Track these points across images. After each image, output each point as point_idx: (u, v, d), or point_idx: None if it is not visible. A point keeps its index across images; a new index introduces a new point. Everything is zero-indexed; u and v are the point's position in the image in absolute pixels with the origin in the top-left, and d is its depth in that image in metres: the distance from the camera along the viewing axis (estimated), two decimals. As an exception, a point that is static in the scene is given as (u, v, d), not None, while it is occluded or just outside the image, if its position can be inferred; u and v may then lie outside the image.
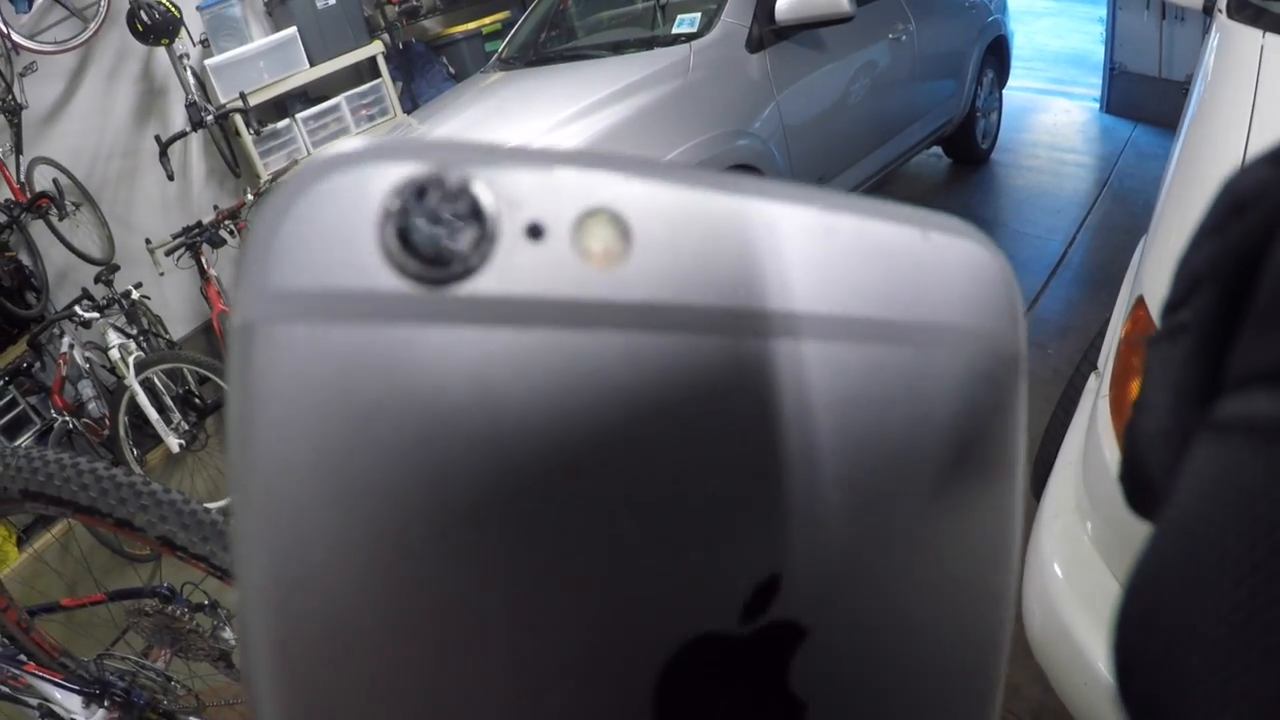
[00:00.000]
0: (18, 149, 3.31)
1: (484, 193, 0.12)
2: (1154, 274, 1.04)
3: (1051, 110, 4.79)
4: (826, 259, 0.15)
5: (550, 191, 0.13)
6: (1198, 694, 0.15)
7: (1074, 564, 1.03)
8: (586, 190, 0.13)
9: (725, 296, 0.14)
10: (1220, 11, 1.57)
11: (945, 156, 3.97)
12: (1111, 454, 0.97)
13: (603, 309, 0.13)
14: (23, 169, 3.30)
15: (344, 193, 0.12)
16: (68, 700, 1.33)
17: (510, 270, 0.12)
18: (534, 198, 0.13)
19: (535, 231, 0.13)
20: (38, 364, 2.99)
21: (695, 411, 0.13)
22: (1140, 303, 1.01)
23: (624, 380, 0.13)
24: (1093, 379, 1.22)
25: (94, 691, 1.38)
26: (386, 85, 3.96)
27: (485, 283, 0.12)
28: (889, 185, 3.74)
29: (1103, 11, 4.65)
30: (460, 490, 0.12)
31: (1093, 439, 1.04)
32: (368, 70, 3.99)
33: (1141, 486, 0.20)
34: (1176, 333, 0.18)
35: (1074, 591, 1.00)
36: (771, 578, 0.15)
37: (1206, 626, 0.15)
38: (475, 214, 0.12)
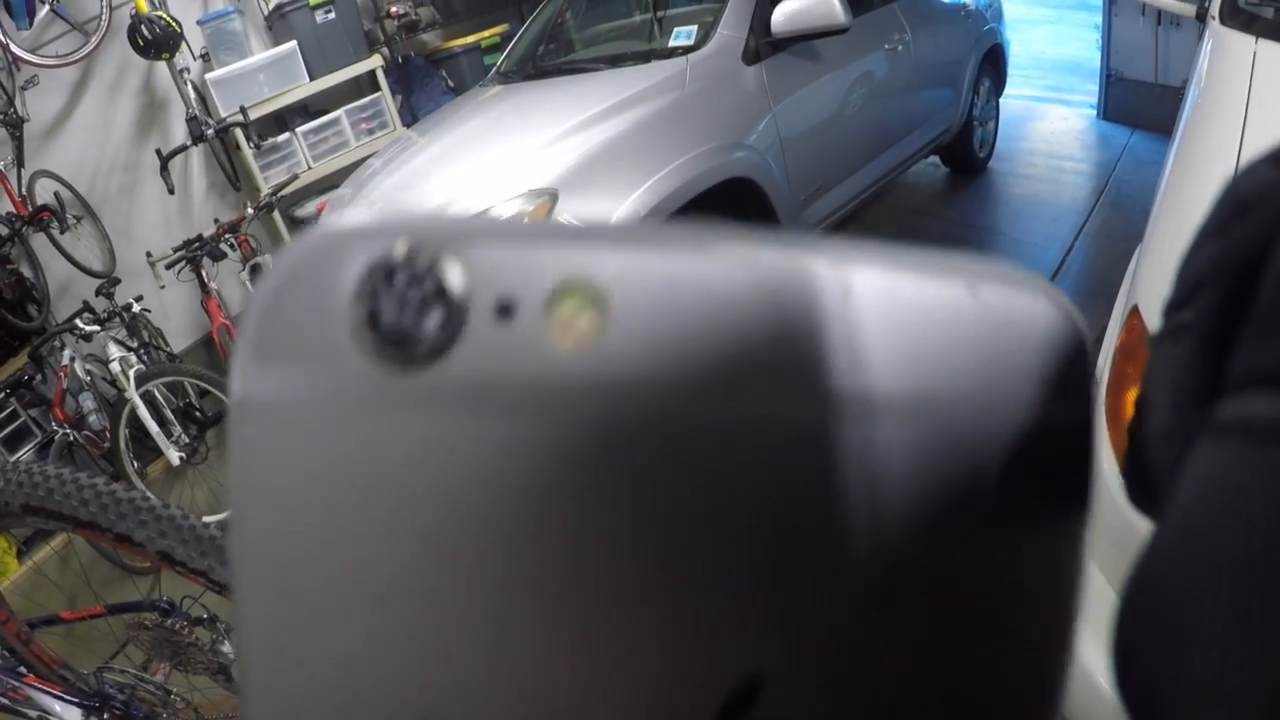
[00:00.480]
0: (19, 162, 3.33)
1: (452, 272, 0.12)
2: (1148, 283, 1.04)
3: (1048, 118, 4.80)
4: (844, 326, 0.13)
5: (522, 267, 0.12)
6: (1195, 691, 0.15)
7: None
8: (560, 264, 0.13)
9: (722, 372, 0.13)
10: (1213, 18, 1.57)
11: (943, 165, 3.98)
12: (1107, 464, 0.97)
13: (574, 391, 0.12)
14: (24, 182, 3.32)
15: (320, 274, 0.12)
16: (67, 713, 1.34)
17: (478, 352, 0.12)
18: (504, 274, 0.12)
19: (505, 310, 0.12)
20: (39, 377, 3.00)
21: (684, 494, 0.13)
22: (1135, 312, 1.01)
23: (596, 464, 0.12)
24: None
25: (93, 704, 1.38)
26: (386, 99, 3.98)
27: (453, 365, 0.12)
28: (887, 195, 3.76)
29: (1098, 19, 4.67)
30: (428, 569, 0.12)
31: None
32: (367, 84, 4.01)
33: (1143, 484, 0.20)
34: (1179, 332, 0.19)
35: None
36: (755, 677, 0.13)
37: (1204, 625, 0.15)
38: (441, 295, 0.12)
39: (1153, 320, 0.94)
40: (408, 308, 0.12)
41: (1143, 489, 0.20)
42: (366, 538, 0.12)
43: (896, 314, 0.14)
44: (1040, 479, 0.15)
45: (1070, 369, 0.16)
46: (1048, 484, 0.15)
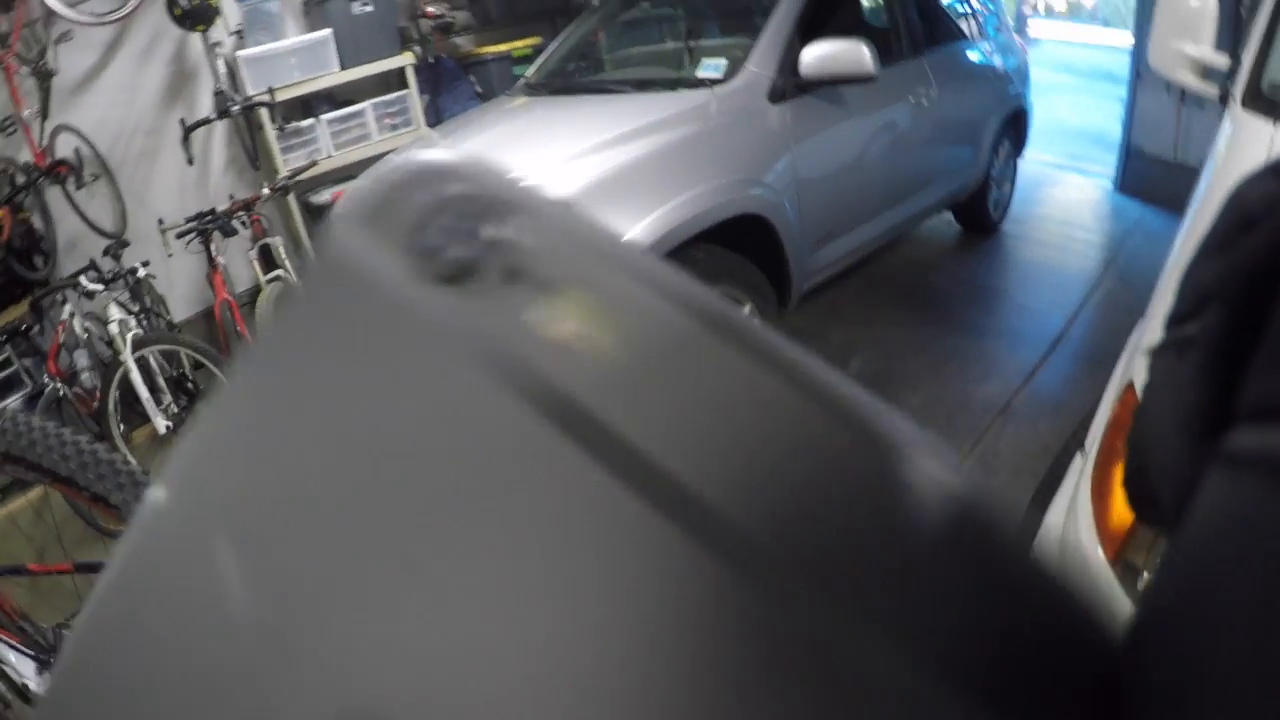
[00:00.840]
0: (44, 114, 3.34)
1: (486, 229, 0.14)
2: (1145, 361, 1.04)
3: (1065, 185, 4.84)
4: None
5: (551, 248, 0.14)
6: None
7: None
8: (572, 264, 0.14)
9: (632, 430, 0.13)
10: (1234, 100, 1.58)
11: (956, 222, 4.00)
12: (1089, 536, 0.97)
13: (510, 366, 0.13)
14: (46, 134, 3.33)
15: (411, 187, 0.15)
16: (21, 664, 1.34)
17: (469, 300, 0.14)
18: (532, 246, 0.14)
19: (512, 275, 0.14)
20: (37, 327, 3.00)
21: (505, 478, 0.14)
22: (1130, 388, 1.01)
23: (488, 435, 0.13)
24: (1078, 458, 1.21)
25: (48, 659, 1.38)
26: (413, 97, 4.00)
27: (442, 300, 0.14)
28: (897, 246, 3.78)
29: (1123, 91, 4.71)
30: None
31: (1071, 520, 1.04)
32: (396, 80, 4.03)
33: (1144, 494, 0.19)
34: (1183, 347, 0.18)
35: None
36: None
37: (1215, 663, 0.15)
38: (471, 235, 0.14)
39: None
40: (445, 239, 0.14)
41: (1144, 499, 0.19)
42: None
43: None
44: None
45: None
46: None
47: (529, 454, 0.13)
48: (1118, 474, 0.95)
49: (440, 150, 0.16)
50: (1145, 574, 0.84)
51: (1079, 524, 1.00)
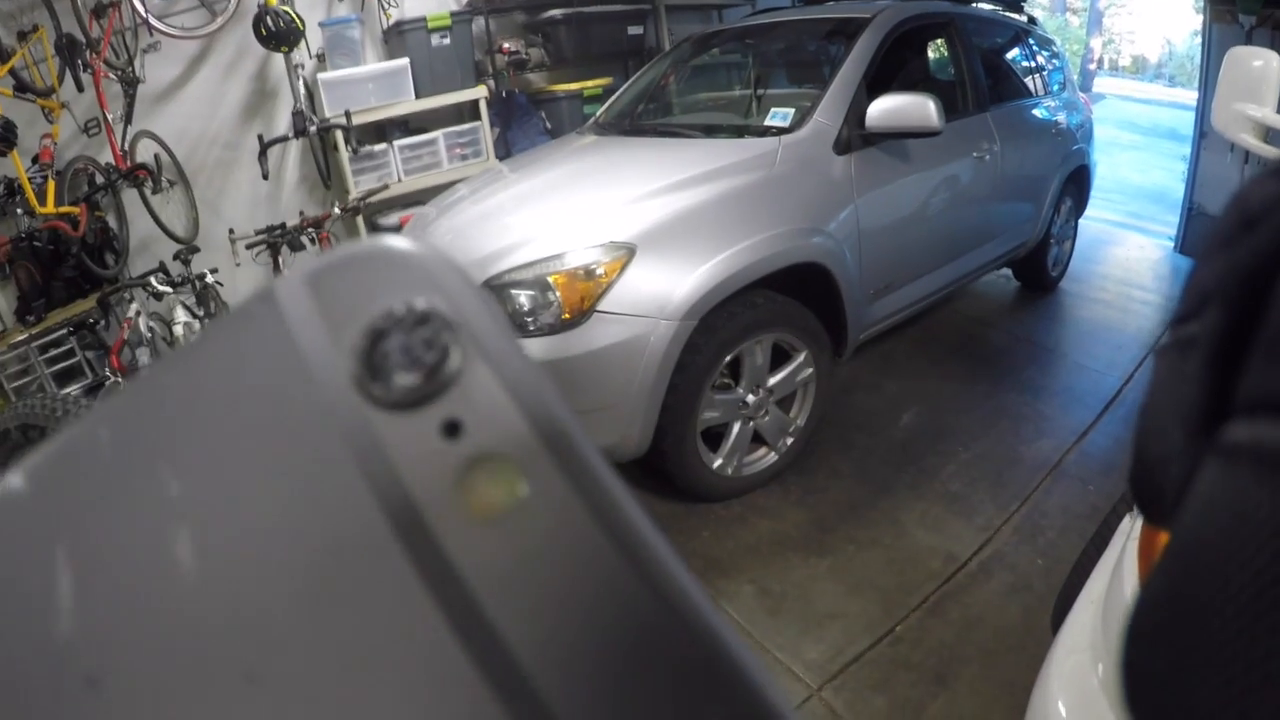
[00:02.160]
0: (127, 119, 3.51)
1: (453, 365, 0.13)
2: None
3: (1125, 245, 4.77)
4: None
5: (497, 411, 0.13)
6: (1202, 715, 0.16)
7: (1079, 704, 1.01)
8: (517, 438, 0.13)
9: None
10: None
11: (1014, 279, 3.97)
12: (1134, 597, 0.96)
13: (421, 535, 0.13)
14: (128, 139, 3.49)
15: (390, 274, 0.14)
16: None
17: (404, 437, 0.13)
18: (480, 403, 0.13)
19: (452, 428, 0.13)
20: (103, 323, 3.11)
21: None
22: None
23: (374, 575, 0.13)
24: (1127, 520, 1.19)
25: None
26: (484, 129, 4.10)
27: (382, 423, 0.13)
28: (954, 301, 3.76)
29: (1187, 149, 4.65)
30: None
31: (1117, 581, 1.03)
32: (469, 111, 4.14)
33: (1152, 495, 0.20)
34: (1186, 347, 0.19)
35: None
36: None
37: (1209, 650, 0.16)
38: (431, 372, 0.13)
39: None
40: (396, 353, 0.13)
41: (1149, 496, 0.20)
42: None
43: None
44: None
45: None
46: None
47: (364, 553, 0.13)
48: (1163, 538, 0.94)
49: (413, 244, 0.15)
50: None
51: (1125, 585, 0.99)
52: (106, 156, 3.45)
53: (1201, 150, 4.42)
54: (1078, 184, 3.93)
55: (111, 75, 3.40)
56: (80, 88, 3.33)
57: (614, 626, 0.12)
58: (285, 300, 0.14)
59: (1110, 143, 6.47)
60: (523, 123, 4.18)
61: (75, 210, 3.20)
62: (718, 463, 2.31)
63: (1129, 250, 4.68)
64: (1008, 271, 3.87)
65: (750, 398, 2.31)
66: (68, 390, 3.07)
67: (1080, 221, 4.16)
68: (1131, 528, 1.09)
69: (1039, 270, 3.80)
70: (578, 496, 0.12)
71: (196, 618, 0.13)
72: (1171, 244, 4.64)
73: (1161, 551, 0.18)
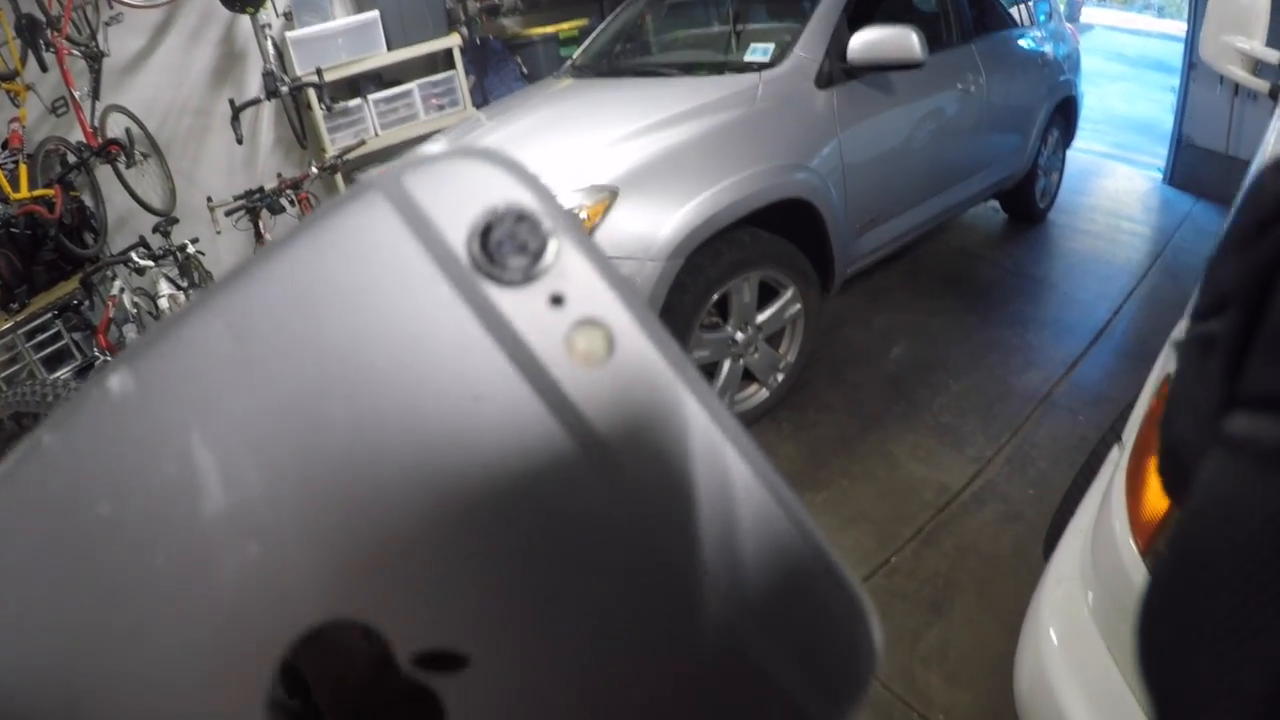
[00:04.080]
0: (95, 95, 3.42)
1: (551, 252, 0.16)
2: (1171, 352, 1.04)
3: (1114, 176, 4.74)
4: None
5: (591, 288, 0.16)
6: (1199, 686, 0.17)
7: (1070, 631, 1.03)
8: (607, 308, 0.16)
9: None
10: (1285, 96, 1.55)
11: (1002, 211, 3.95)
12: (1122, 526, 0.97)
13: (547, 380, 0.16)
14: (97, 114, 3.42)
15: (487, 178, 0.16)
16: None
17: (521, 307, 0.16)
18: (576, 281, 0.16)
19: (557, 300, 0.16)
20: (87, 303, 3.06)
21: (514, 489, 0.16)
22: (1167, 380, 1.01)
23: (505, 440, 0.16)
24: (1115, 450, 1.21)
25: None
26: (459, 78, 4.02)
27: (502, 299, 0.16)
28: (942, 233, 3.74)
29: (1176, 81, 4.60)
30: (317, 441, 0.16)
31: (1105, 510, 1.04)
32: (442, 60, 4.06)
33: (1177, 481, 0.21)
34: (1206, 345, 0.19)
35: (1066, 659, 1.01)
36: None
37: (1207, 627, 0.17)
38: (536, 257, 0.16)
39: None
40: (507, 242, 0.16)
41: (1177, 487, 0.21)
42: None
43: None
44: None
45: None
46: None
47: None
48: (1152, 466, 0.95)
49: (499, 153, 0.17)
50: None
51: (1113, 515, 1.01)
52: (77, 135, 3.38)
53: (1190, 82, 4.37)
54: (1065, 115, 3.90)
55: (75, 52, 3.32)
56: (44, 68, 3.24)
57: (682, 441, 0.16)
58: (394, 201, 0.16)
59: (1098, 73, 6.39)
60: (498, 69, 4.11)
61: (50, 192, 3.15)
62: (709, 402, 2.31)
63: (1117, 182, 4.65)
64: (996, 203, 3.85)
65: (739, 335, 2.30)
66: (57, 375, 3.04)
67: (1068, 153, 4.13)
68: (1120, 458, 1.10)
69: (1027, 202, 3.78)
70: (655, 348, 0.16)
71: (363, 474, 0.15)
72: (1160, 175, 4.61)
73: (1171, 532, 0.20)
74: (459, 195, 0.16)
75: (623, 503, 0.16)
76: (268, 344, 0.16)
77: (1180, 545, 0.19)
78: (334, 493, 0.15)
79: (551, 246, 0.16)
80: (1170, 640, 0.18)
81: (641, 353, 0.16)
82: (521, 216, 0.16)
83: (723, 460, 0.16)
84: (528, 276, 0.16)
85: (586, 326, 0.16)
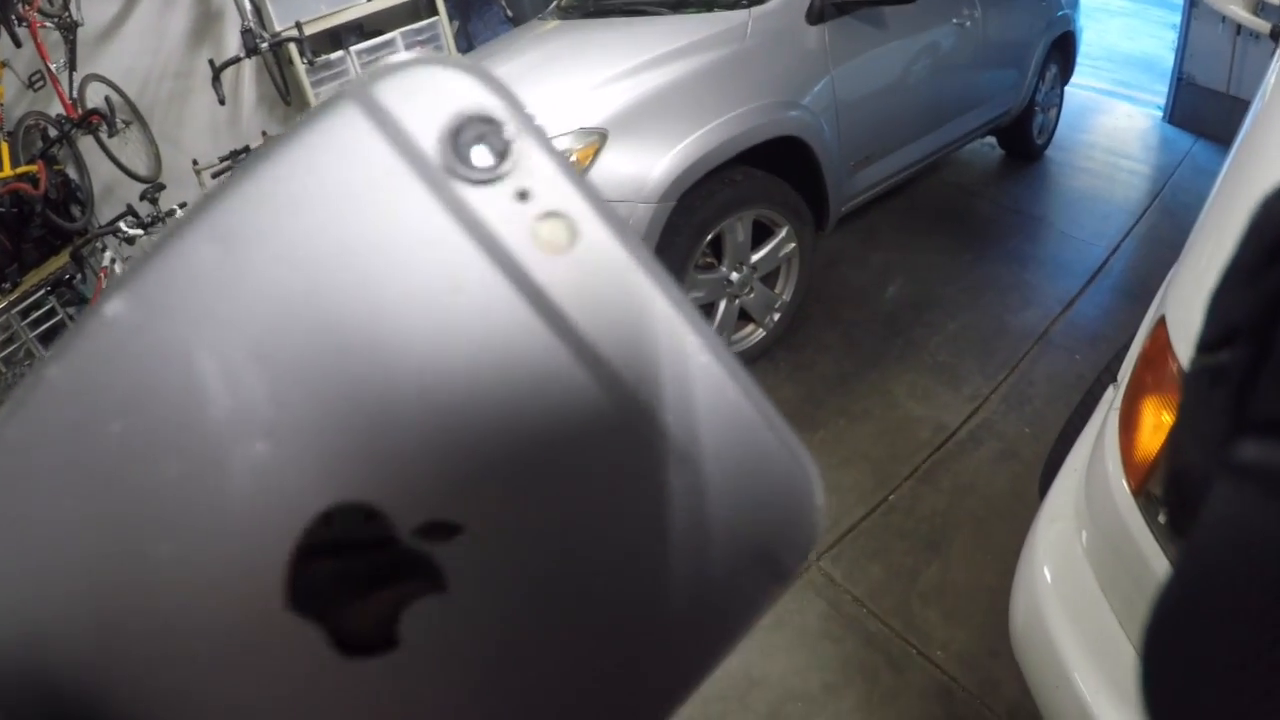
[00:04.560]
0: (71, 65, 3.37)
1: (516, 151, 0.17)
2: (1178, 296, 1.02)
3: (1113, 113, 4.67)
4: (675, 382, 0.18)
5: (553, 183, 0.17)
6: (1206, 717, 0.16)
7: (1064, 570, 1.05)
8: (569, 201, 0.17)
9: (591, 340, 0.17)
10: (1286, 37, 1.51)
11: (999, 147, 3.90)
12: (1115, 466, 0.97)
13: (517, 269, 0.17)
14: (75, 85, 3.36)
15: (453, 84, 0.17)
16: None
17: (490, 203, 0.17)
18: (539, 177, 0.17)
19: (522, 195, 0.17)
20: (79, 276, 3.06)
21: (504, 387, 0.17)
22: (1161, 322, 1.00)
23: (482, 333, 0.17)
24: (1110, 390, 1.21)
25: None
26: (443, 24, 3.95)
27: (472, 196, 0.17)
28: (938, 170, 3.69)
29: (1177, 18, 4.50)
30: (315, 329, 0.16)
31: (1099, 450, 1.04)
32: (425, 7, 3.98)
33: (1185, 509, 0.20)
34: (1216, 376, 0.19)
35: (1059, 597, 1.02)
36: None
37: (1218, 661, 0.16)
38: (502, 157, 0.17)
39: (1178, 334, 0.92)
40: (475, 143, 0.17)
41: (1183, 514, 0.21)
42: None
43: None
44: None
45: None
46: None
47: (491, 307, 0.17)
48: (1146, 406, 0.95)
49: (461, 60, 0.18)
50: (1164, 511, 0.85)
51: (1106, 455, 1.01)
52: (56, 108, 3.33)
53: (1192, 19, 4.28)
54: (1063, 51, 3.82)
55: (48, 24, 3.27)
56: (18, 43, 3.18)
57: (642, 318, 0.17)
58: (366, 109, 0.16)
59: (1098, 8, 6.25)
60: (482, 13, 4.04)
61: (33, 168, 3.13)
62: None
63: (1117, 119, 4.58)
64: (993, 140, 3.80)
65: (734, 275, 2.29)
66: (53, 351, 3.03)
67: (1066, 89, 4.06)
68: (1114, 398, 1.09)
69: (1024, 138, 3.73)
70: (613, 236, 0.17)
71: (356, 368, 0.16)
72: (1160, 113, 4.54)
73: (1177, 562, 0.19)
74: (428, 101, 0.17)
75: (591, 376, 0.17)
76: (256, 253, 0.16)
77: (1188, 574, 0.18)
78: (332, 387, 0.16)
79: (516, 146, 0.17)
80: (1176, 668, 0.18)
81: (601, 240, 0.17)
82: (487, 119, 0.17)
83: (680, 335, 0.18)
84: (495, 175, 0.17)
85: (550, 218, 0.17)
